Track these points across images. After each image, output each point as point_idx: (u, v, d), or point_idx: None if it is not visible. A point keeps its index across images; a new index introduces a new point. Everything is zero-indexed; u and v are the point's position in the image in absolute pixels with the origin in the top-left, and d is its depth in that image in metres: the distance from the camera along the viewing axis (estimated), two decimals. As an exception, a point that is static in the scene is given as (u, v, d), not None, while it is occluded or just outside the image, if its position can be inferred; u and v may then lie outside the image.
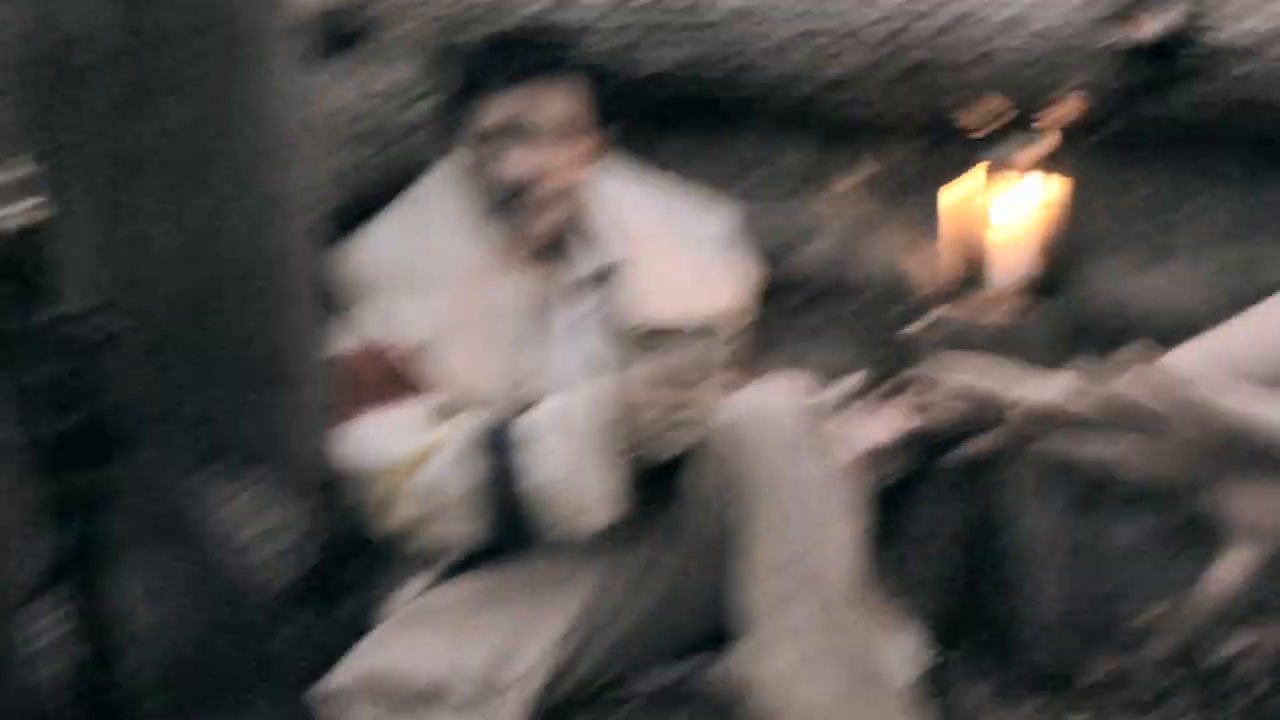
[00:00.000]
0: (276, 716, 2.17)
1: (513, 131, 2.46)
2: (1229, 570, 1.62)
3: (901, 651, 2.44)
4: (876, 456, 2.35)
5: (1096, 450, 1.64)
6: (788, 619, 2.22)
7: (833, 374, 2.71)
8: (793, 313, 2.81)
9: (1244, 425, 1.48)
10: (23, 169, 1.36)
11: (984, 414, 1.90)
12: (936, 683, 2.48)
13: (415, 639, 2.37)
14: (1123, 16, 2.42)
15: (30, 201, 1.27)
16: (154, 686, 1.89)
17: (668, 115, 2.81)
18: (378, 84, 2.74)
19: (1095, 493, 2.59)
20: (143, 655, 1.69)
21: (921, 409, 2.19)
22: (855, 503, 2.26)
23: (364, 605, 2.46)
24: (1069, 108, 2.53)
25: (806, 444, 2.23)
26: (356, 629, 2.42)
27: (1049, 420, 1.70)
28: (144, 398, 1.76)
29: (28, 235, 1.26)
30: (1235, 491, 1.53)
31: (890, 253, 2.75)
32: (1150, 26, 2.39)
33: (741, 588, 2.27)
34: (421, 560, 2.44)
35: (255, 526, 2.39)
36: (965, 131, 2.62)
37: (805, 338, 2.80)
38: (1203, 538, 2.50)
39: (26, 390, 1.27)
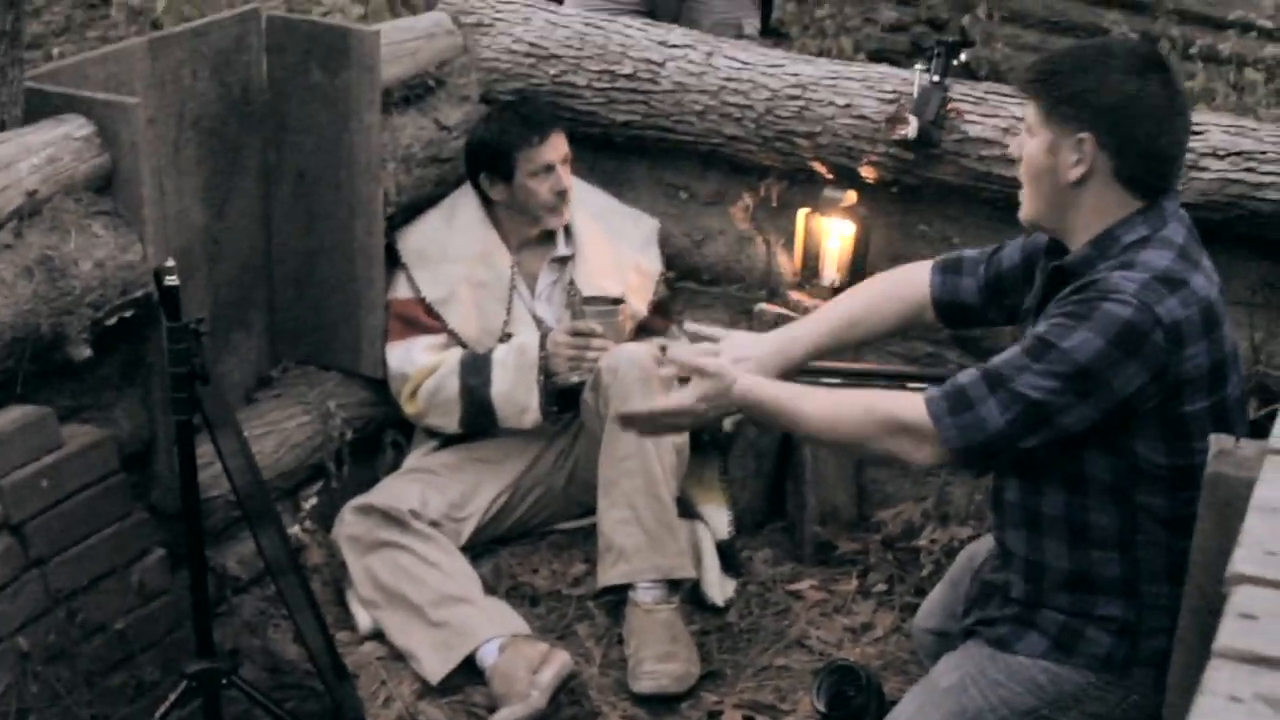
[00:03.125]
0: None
1: (552, 165, 3.77)
2: None
3: (713, 519, 3.77)
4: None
5: None
6: (624, 487, 3.54)
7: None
8: (695, 291, 4.13)
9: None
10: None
11: None
12: (738, 549, 3.80)
13: (408, 483, 3.71)
14: (894, 120, 3.65)
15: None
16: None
17: (625, 153, 4.13)
18: (449, 119, 4.07)
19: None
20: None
21: None
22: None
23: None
24: (869, 170, 3.79)
25: (651, 381, 3.44)
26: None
27: None
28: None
29: (172, 290, 2.74)
30: None
31: (763, 253, 4.05)
32: (910, 128, 3.62)
33: (602, 467, 3.56)
34: (425, 435, 3.87)
35: (336, 398, 3.88)
36: (813, 176, 3.90)
37: (702, 308, 4.11)
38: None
39: (170, 352, 2.78)
